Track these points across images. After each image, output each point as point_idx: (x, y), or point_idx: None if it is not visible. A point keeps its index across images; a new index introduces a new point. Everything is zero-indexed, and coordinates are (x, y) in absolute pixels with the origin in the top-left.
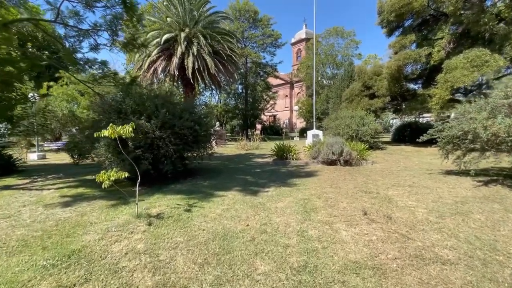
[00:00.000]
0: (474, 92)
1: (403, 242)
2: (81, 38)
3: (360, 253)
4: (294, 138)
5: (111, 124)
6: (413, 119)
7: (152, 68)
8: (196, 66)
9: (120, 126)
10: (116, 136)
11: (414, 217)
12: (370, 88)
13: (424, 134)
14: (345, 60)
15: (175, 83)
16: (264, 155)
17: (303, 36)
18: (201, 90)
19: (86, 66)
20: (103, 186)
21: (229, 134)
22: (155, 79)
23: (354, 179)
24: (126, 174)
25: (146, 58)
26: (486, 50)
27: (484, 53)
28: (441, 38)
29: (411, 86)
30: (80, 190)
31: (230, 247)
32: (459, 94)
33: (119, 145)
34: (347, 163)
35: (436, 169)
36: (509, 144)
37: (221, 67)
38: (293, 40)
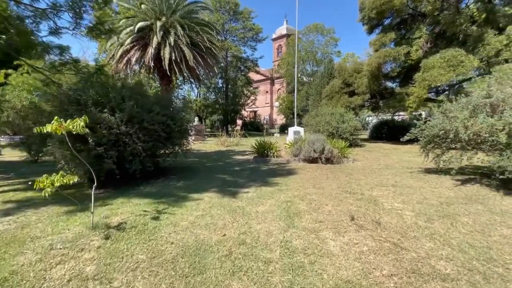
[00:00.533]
0: (446, 92)
1: (397, 253)
2: (38, 20)
3: (352, 269)
4: (275, 134)
5: (56, 117)
6: (390, 117)
7: (126, 58)
8: (173, 58)
9: (69, 120)
10: (64, 132)
11: (403, 221)
12: (350, 86)
13: (408, 134)
14: (324, 57)
15: (151, 75)
16: (244, 152)
17: (284, 32)
18: (180, 83)
19: (43, 51)
20: (43, 194)
21: (209, 130)
22: (128, 70)
23: (336, 178)
24: (76, 179)
25: (118, 47)
26: (462, 50)
27: (460, 54)
28: (419, 38)
29: (389, 84)
30: (30, 194)
31: (203, 265)
32: (432, 93)
33: (70, 142)
34: (328, 161)
35: (416, 167)
36: (489, 144)
37: (200, 60)
38: (274, 36)
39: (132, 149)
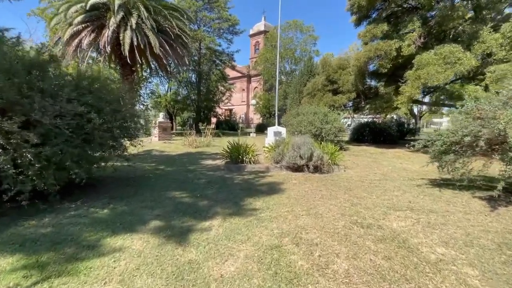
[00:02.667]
0: (431, 94)
1: None
2: None
3: None
4: (251, 134)
5: None
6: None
7: (76, 41)
8: (136, 43)
9: None
10: None
11: None
12: (334, 83)
13: (418, 142)
14: (303, 55)
15: (112, 65)
16: (215, 155)
17: (262, 28)
18: (147, 76)
19: None
20: None
21: (180, 128)
22: (79, 54)
23: (334, 197)
24: None
25: (66, 27)
26: (459, 46)
27: (458, 50)
28: (412, 31)
29: (373, 83)
30: None
31: None
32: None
33: None
34: (317, 169)
35: (418, 177)
36: None
37: (168, 48)
38: (251, 32)
39: (14, 158)
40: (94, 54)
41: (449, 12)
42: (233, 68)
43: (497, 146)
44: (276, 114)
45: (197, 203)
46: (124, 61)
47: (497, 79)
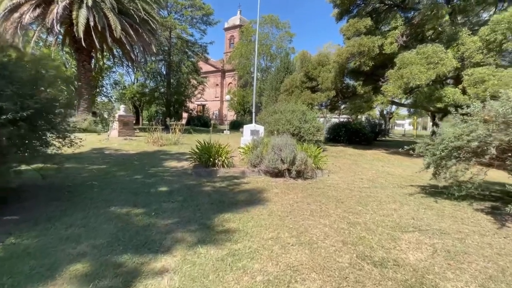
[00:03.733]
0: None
1: None
2: None
3: None
4: (224, 131)
5: None
6: (343, 119)
7: (16, 16)
8: (92, 24)
9: None
10: None
11: None
12: (313, 80)
13: (417, 145)
14: (279, 51)
15: (65, 48)
16: (182, 156)
17: (237, 23)
18: (111, 64)
19: None
20: None
21: (147, 123)
22: (19, 32)
23: (326, 213)
24: None
25: None
26: (442, 46)
27: (440, 50)
28: (395, 29)
29: (351, 82)
30: None
31: None
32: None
33: None
34: (299, 174)
35: (406, 184)
36: None
37: (132, 33)
38: (226, 25)
39: None
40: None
41: (433, 11)
42: (206, 61)
43: (510, 154)
44: (253, 111)
45: (149, 226)
46: (79, 44)
47: (475, 82)
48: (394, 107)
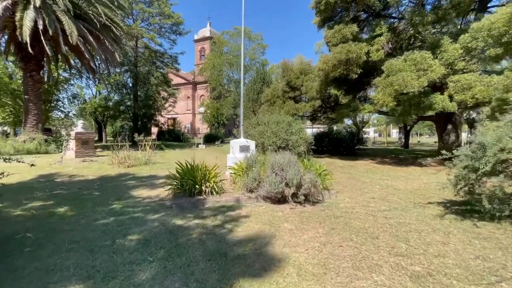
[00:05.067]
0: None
1: None
2: None
3: None
4: (199, 146)
5: None
6: (318, 129)
7: None
8: (42, 28)
9: None
10: None
11: None
12: (296, 89)
13: (454, 157)
14: (252, 63)
15: (9, 56)
16: (156, 179)
17: (208, 34)
18: (68, 76)
19: None
20: None
21: (112, 140)
22: None
23: (369, 260)
24: None
25: None
26: (429, 53)
27: (429, 56)
28: (380, 35)
29: (332, 91)
30: None
31: None
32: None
33: None
34: (306, 198)
35: (423, 201)
36: None
37: (92, 40)
38: (196, 37)
39: None
40: None
41: (419, 18)
42: (177, 71)
43: None
44: (241, 124)
45: None
46: (26, 52)
47: (462, 88)
48: (366, 116)
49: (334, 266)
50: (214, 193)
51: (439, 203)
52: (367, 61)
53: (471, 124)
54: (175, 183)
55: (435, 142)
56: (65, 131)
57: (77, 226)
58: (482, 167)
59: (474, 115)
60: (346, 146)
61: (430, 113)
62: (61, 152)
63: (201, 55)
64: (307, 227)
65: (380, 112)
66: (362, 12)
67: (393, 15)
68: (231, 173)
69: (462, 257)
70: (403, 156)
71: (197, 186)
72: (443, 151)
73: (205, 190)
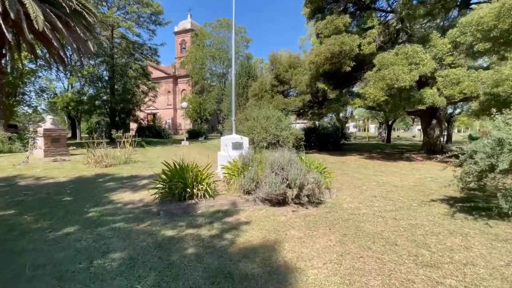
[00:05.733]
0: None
1: None
2: None
3: None
4: (182, 142)
5: None
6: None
7: None
8: (0, 10)
9: None
10: None
11: None
12: (284, 83)
13: (461, 156)
14: (236, 57)
15: None
16: (139, 180)
17: (188, 27)
18: (36, 67)
19: None
20: None
21: (87, 137)
22: None
23: (396, 273)
24: None
25: None
26: (421, 47)
27: (420, 50)
28: (371, 28)
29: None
30: None
31: None
32: None
33: None
34: (309, 200)
35: (426, 200)
36: None
37: (61, 27)
38: (176, 29)
39: None
40: None
41: (410, 11)
42: (157, 63)
43: None
44: (233, 119)
45: None
46: None
47: (451, 83)
48: (349, 111)
49: (361, 284)
50: (207, 196)
51: (441, 200)
52: (357, 55)
53: (448, 119)
54: (161, 185)
55: (413, 136)
56: (33, 128)
57: (43, 243)
58: (500, 164)
59: (450, 111)
60: (333, 142)
61: (421, 107)
62: (27, 151)
63: (182, 47)
64: (316, 234)
65: (369, 108)
66: (351, 5)
67: (383, 8)
68: (225, 173)
69: (492, 265)
70: (389, 151)
71: (188, 189)
72: (452, 147)
73: (197, 193)
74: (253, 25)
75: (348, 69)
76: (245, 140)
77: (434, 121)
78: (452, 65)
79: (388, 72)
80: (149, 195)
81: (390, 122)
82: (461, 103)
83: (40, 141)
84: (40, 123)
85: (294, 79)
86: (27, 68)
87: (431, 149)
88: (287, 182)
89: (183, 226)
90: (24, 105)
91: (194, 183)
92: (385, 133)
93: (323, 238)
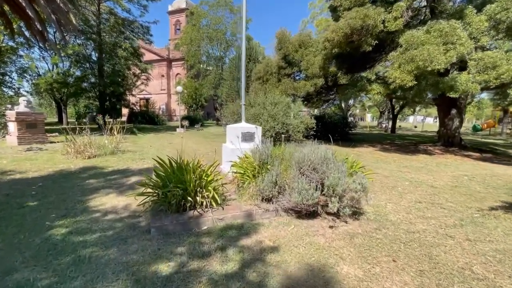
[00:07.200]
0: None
1: None
2: None
3: None
4: (177, 129)
5: None
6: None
7: None
8: None
9: None
10: None
11: None
12: (293, 65)
13: None
14: (233, 39)
15: None
16: (126, 177)
17: (183, 6)
18: (16, 45)
19: None
20: None
21: (74, 122)
22: None
23: None
24: None
25: None
26: (459, 22)
27: (458, 27)
28: (397, 0)
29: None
30: None
31: None
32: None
33: None
34: (353, 212)
35: (484, 207)
36: None
37: None
38: (170, 8)
39: None
40: None
41: None
42: (149, 43)
43: None
44: (243, 103)
45: None
46: None
47: (485, 67)
48: (355, 99)
49: None
50: (214, 204)
51: (503, 208)
52: (379, 33)
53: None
54: (153, 191)
55: (415, 126)
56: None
57: None
58: None
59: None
60: (340, 131)
61: (452, 94)
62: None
63: (176, 29)
64: (380, 271)
65: (388, 95)
66: None
67: None
68: (234, 173)
69: None
70: (400, 142)
71: (189, 198)
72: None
73: (201, 202)
74: (250, 7)
75: (369, 49)
76: (257, 130)
77: (454, 111)
78: (488, 47)
79: (420, 53)
80: (137, 198)
81: (396, 112)
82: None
83: (13, 127)
84: (13, 106)
85: (305, 60)
86: (5, 45)
87: (448, 141)
88: (321, 187)
89: (183, 255)
90: (5, 87)
91: (198, 189)
92: (387, 122)
93: (392, 278)
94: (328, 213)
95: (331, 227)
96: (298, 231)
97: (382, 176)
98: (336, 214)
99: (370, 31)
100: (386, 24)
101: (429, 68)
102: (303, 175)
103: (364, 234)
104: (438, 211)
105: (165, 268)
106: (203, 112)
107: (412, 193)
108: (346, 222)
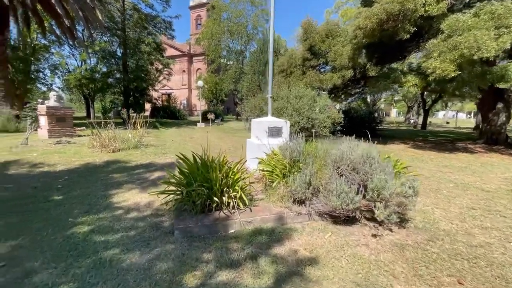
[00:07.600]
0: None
1: None
2: None
3: None
4: (198, 124)
5: None
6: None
7: None
8: None
9: None
10: None
11: None
12: (319, 56)
13: None
14: (254, 32)
15: None
16: (149, 172)
17: (204, 0)
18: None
19: None
20: None
21: (101, 117)
22: None
23: None
24: None
25: None
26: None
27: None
28: None
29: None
30: None
31: None
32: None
33: None
34: (400, 219)
35: None
36: None
37: None
38: (191, 3)
39: None
40: None
41: None
42: (171, 38)
43: None
44: (269, 95)
45: None
46: None
47: None
48: (384, 93)
49: None
50: (241, 205)
51: None
52: (418, 18)
53: None
54: (177, 191)
55: (447, 122)
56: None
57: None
58: None
59: None
60: (368, 127)
61: (502, 85)
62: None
63: (197, 23)
64: None
65: (424, 88)
66: None
67: None
68: (262, 170)
69: None
70: (433, 139)
71: (215, 198)
72: None
73: (228, 202)
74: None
75: (406, 36)
76: (285, 125)
77: (500, 105)
78: None
79: (465, 39)
80: (158, 199)
81: (427, 107)
82: None
83: (44, 121)
84: (44, 101)
85: (333, 51)
86: (38, 43)
87: (492, 138)
88: (363, 190)
89: (210, 263)
90: (39, 83)
91: (224, 188)
92: (416, 118)
93: None
94: (368, 219)
95: (374, 235)
96: (337, 240)
97: (422, 177)
98: (378, 221)
99: (408, 17)
100: (427, 8)
101: (475, 57)
102: (341, 175)
103: (416, 247)
104: (498, 220)
105: (190, 278)
106: (223, 107)
107: (461, 197)
108: (390, 230)
